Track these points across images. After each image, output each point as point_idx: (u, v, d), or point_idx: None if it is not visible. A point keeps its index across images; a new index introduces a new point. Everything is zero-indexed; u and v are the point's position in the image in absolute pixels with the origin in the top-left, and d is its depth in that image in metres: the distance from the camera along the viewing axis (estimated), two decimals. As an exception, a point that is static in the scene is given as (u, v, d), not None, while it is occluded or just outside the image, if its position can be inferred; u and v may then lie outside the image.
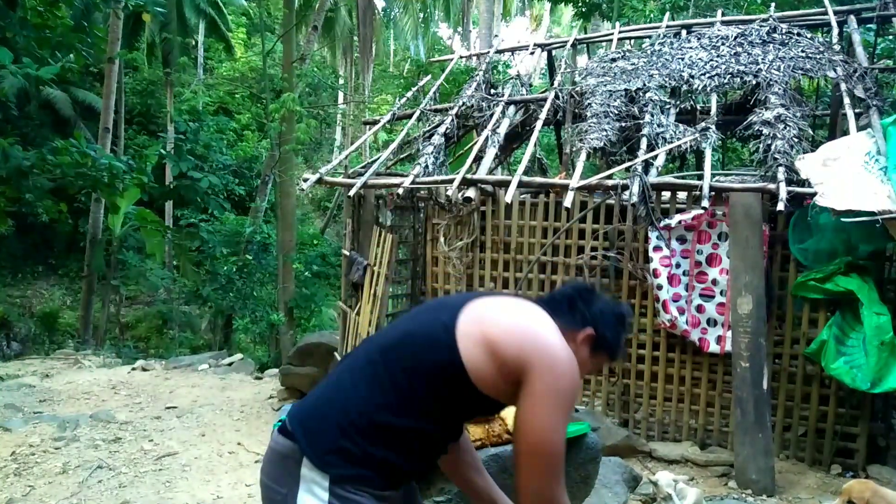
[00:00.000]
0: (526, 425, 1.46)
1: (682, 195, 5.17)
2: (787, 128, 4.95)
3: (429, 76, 8.32)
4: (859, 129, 4.81)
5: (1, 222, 8.00)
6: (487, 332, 1.48)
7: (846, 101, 5.09)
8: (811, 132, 5.49)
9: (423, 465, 1.61)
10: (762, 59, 5.73)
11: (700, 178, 4.92)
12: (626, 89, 5.93)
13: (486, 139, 5.95)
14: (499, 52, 7.92)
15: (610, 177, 5.24)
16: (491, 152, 5.78)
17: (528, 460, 1.47)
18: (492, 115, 6.27)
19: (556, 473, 1.50)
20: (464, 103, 6.51)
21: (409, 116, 6.94)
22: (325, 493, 1.46)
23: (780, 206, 4.34)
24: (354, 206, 6.13)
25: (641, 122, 5.52)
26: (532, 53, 7.63)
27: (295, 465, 1.50)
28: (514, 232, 5.72)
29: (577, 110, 6.18)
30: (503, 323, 1.51)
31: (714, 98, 5.68)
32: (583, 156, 5.36)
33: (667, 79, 5.94)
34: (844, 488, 2.83)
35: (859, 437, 4.73)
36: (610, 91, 5.96)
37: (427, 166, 5.71)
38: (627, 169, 5.08)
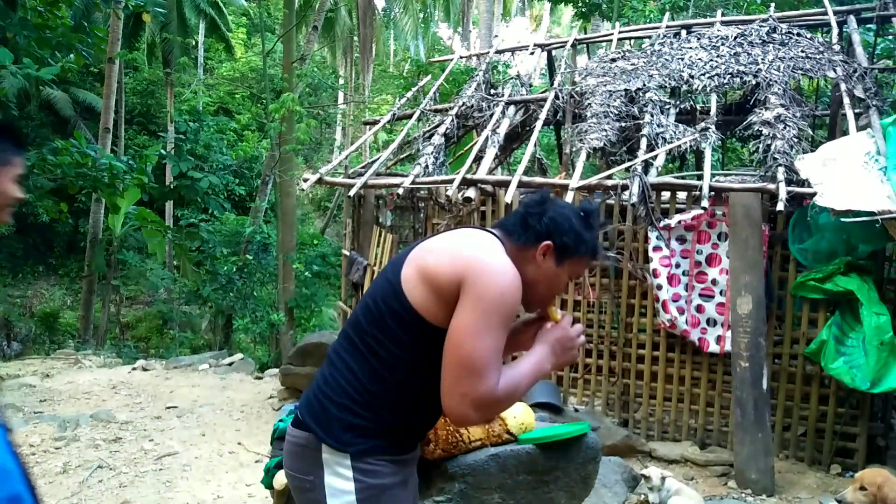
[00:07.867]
0: (451, 331, 1.47)
1: (681, 195, 5.18)
2: (787, 128, 4.95)
3: (429, 76, 8.32)
4: (859, 129, 4.82)
5: (1, 222, 8.00)
6: (423, 266, 1.52)
7: (846, 101, 5.09)
8: (811, 132, 5.51)
9: (428, 416, 1.66)
10: (762, 59, 5.73)
11: (700, 178, 4.92)
12: (625, 89, 5.93)
13: (486, 139, 5.95)
14: (499, 52, 7.92)
15: (610, 177, 5.24)
16: (491, 152, 5.78)
17: (448, 364, 1.48)
18: (492, 116, 6.27)
19: (479, 376, 1.45)
20: (464, 103, 6.51)
21: (409, 116, 6.94)
22: (348, 471, 1.54)
23: (780, 206, 4.35)
24: (354, 206, 6.14)
25: (641, 122, 5.52)
26: (532, 53, 7.63)
27: (315, 453, 1.57)
28: (514, 232, 5.72)
29: (576, 110, 6.18)
30: (436, 252, 1.54)
31: (714, 98, 5.68)
32: (583, 156, 5.36)
33: (667, 79, 5.94)
34: (857, 476, 2.85)
35: (859, 437, 4.74)
36: (610, 91, 5.96)
37: (427, 166, 5.72)
38: (627, 169, 5.09)
